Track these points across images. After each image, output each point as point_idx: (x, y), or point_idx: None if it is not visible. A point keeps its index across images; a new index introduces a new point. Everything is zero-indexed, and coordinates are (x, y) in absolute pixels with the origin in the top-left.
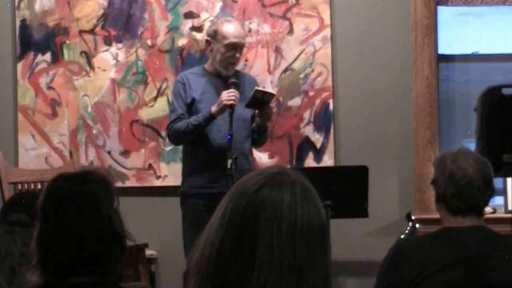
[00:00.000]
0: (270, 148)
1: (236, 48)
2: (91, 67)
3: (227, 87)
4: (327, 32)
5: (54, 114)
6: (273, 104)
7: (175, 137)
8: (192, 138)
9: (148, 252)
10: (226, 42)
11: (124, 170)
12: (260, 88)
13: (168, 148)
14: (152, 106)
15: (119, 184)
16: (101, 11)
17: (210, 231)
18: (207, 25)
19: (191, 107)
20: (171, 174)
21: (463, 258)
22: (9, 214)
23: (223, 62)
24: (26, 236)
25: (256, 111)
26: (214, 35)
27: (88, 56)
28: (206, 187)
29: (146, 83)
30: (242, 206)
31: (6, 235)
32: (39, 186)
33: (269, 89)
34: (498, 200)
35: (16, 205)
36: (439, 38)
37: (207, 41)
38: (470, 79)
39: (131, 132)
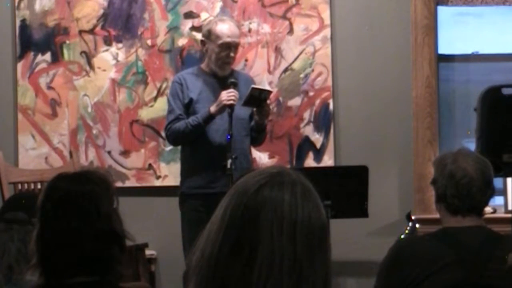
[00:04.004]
0: (270, 148)
1: (230, 47)
2: (91, 67)
3: (224, 87)
4: (327, 32)
5: (54, 114)
6: (272, 102)
7: (174, 138)
8: (191, 138)
9: (148, 252)
10: (220, 42)
11: (124, 170)
12: (257, 86)
13: (168, 148)
14: (152, 106)
15: (119, 184)
16: (101, 11)
17: (211, 231)
18: None
19: (188, 107)
20: (171, 174)
21: (463, 258)
22: (6, 213)
23: (218, 62)
24: (24, 234)
25: (254, 109)
26: (208, 35)
27: (88, 56)
28: (205, 187)
29: (146, 83)
30: (243, 206)
31: (4, 233)
32: (39, 186)
33: (266, 86)
34: (498, 200)
35: (13, 204)
36: (439, 38)
37: (201, 41)
38: (470, 79)
39: (131, 132)
